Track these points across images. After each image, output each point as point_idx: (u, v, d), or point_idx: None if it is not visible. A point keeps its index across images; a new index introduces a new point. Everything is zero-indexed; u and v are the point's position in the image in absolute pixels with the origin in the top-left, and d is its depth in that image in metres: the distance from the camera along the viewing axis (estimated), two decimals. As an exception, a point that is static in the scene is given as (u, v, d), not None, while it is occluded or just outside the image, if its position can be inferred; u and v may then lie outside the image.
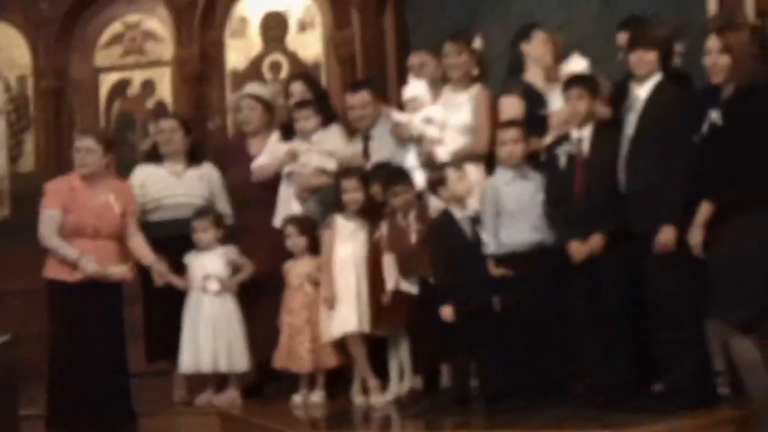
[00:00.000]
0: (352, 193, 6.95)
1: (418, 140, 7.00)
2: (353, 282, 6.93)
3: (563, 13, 8.43)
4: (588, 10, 8.44)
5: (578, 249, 6.14)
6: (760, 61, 5.56)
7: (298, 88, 7.68)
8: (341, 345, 6.98)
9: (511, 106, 6.75)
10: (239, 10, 9.10)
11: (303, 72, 8.50)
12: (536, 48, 6.90)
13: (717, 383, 6.10)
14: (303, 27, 8.95)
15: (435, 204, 6.73)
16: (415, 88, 7.20)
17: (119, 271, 6.87)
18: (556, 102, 6.65)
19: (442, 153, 6.92)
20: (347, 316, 6.89)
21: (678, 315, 5.81)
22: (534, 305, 6.32)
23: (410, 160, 7.03)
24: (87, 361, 6.79)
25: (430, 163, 6.88)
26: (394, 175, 6.86)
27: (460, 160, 6.79)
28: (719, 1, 7.74)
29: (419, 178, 6.86)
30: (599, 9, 8.39)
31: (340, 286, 6.93)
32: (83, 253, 6.76)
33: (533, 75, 6.88)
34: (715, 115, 5.54)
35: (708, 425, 5.67)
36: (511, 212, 6.42)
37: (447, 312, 6.37)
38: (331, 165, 7.25)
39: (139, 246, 7.10)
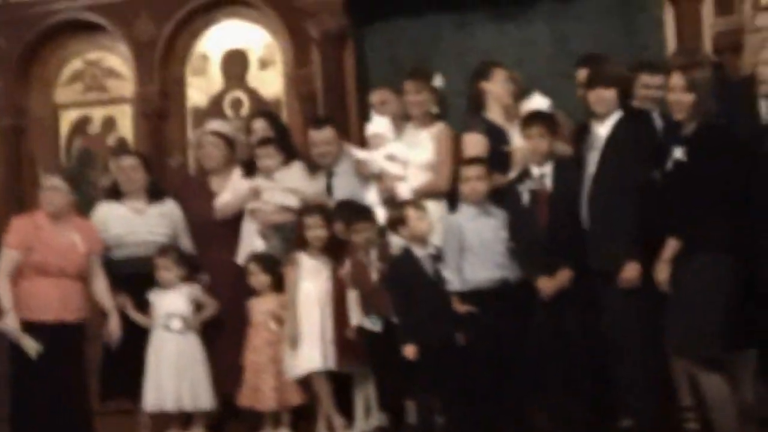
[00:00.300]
0: (316, 230, 6.96)
1: (380, 177, 7.04)
2: (317, 319, 6.93)
3: (518, 51, 8.48)
4: (542, 49, 8.50)
5: (546, 285, 6.18)
6: (720, 98, 5.65)
7: (260, 126, 7.67)
8: (306, 382, 6.96)
9: (475, 143, 6.79)
10: (200, 47, 9.07)
11: (265, 109, 8.48)
12: (496, 86, 6.96)
13: (684, 419, 6.14)
14: (264, 64, 8.93)
15: (396, 241, 6.74)
16: (378, 125, 7.23)
17: (29, 346, 6.73)
18: (518, 139, 6.71)
19: (404, 190, 6.96)
20: (311, 354, 6.89)
21: (640, 351, 5.87)
22: (498, 341, 6.33)
23: (372, 196, 7.06)
24: (49, 400, 6.72)
25: (391, 201, 6.92)
26: (356, 212, 6.87)
27: (421, 197, 6.83)
28: (677, 39, 7.87)
29: (381, 215, 6.89)
30: (553, 47, 8.45)
31: (304, 324, 6.93)
32: (10, 311, 6.72)
33: (494, 112, 6.93)
34: (678, 152, 5.60)
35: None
36: (474, 249, 6.44)
37: (409, 350, 6.38)
38: (294, 202, 7.23)
39: (100, 289, 7.09)
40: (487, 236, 6.46)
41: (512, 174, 6.63)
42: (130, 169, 7.56)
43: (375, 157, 7.06)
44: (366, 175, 7.12)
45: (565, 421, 6.18)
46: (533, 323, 6.29)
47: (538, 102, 6.83)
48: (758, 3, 7.63)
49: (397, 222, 6.65)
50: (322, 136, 7.43)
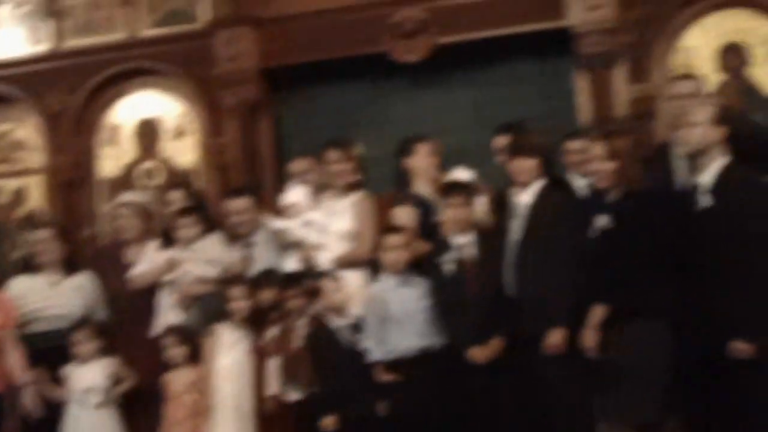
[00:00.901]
0: (239, 301, 6.88)
1: (298, 245, 7.01)
2: (236, 392, 6.80)
3: (436, 118, 8.58)
4: (461, 118, 8.59)
5: (479, 354, 6.15)
6: (641, 165, 5.72)
7: (176, 196, 7.61)
8: None
9: (406, 215, 6.77)
10: (111, 117, 9.03)
11: (182, 180, 8.46)
12: (420, 161, 6.97)
13: None
14: (178, 134, 8.90)
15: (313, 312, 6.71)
16: (295, 194, 7.22)
17: None
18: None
19: (324, 259, 6.94)
20: (229, 427, 6.76)
21: (568, 416, 5.86)
22: (421, 410, 6.27)
23: (291, 265, 7.03)
24: None
25: (310, 270, 6.88)
26: (289, 278, 6.84)
27: (342, 266, 6.83)
28: (591, 106, 7.98)
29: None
30: (473, 117, 8.54)
31: (222, 396, 6.80)
32: None
33: (420, 186, 6.92)
34: (603, 220, 5.63)
35: None
36: (396, 318, 6.41)
37: (328, 422, 6.34)
38: (213, 273, 7.15)
39: (15, 363, 6.93)
40: (409, 306, 6.43)
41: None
42: (45, 242, 7.46)
43: (292, 226, 7.05)
44: (284, 244, 7.08)
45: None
46: (464, 391, 6.24)
47: (460, 174, 6.83)
48: (670, 71, 7.82)
49: (313, 293, 6.63)
50: (238, 206, 7.39)
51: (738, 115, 7.04)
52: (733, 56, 7.83)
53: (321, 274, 6.73)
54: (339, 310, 6.59)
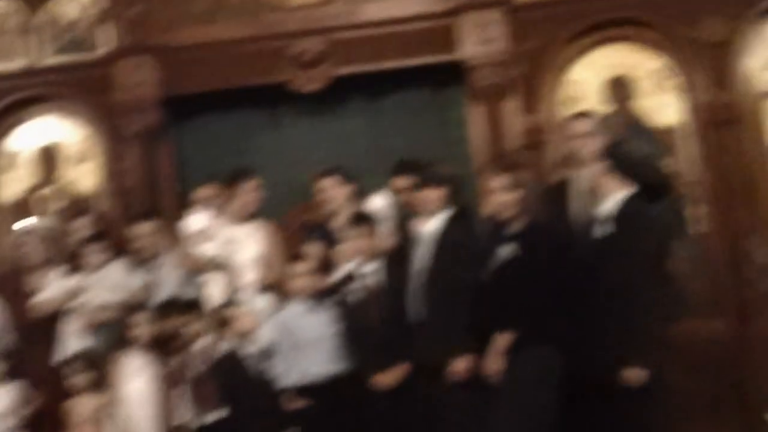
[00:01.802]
0: (141, 327, 6.90)
1: (220, 267, 7.08)
2: (143, 417, 6.82)
3: (332, 146, 8.64)
4: (356, 144, 8.65)
5: (382, 380, 6.27)
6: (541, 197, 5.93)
7: (82, 224, 7.64)
8: None
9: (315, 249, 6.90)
10: (9, 143, 8.89)
11: (85, 206, 8.43)
12: (332, 194, 7.10)
13: None
14: (79, 159, 8.80)
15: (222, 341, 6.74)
16: (197, 221, 7.29)
17: None
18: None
19: (244, 282, 7.04)
20: None
21: None
22: None
23: (213, 289, 7.08)
24: None
25: (234, 292, 6.97)
26: (183, 306, 6.89)
27: (256, 291, 6.95)
28: (483, 136, 8.12)
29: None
30: (368, 145, 8.62)
31: (128, 423, 6.84)
32: None
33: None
34: (505, 250, 5.78)
35: None
36: (305, 344, 6.49)
37: None
38: (116, 299, 7.20)
39: None
40: (318, 331, 6.53)
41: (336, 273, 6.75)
42: None
43: (217, 248, 7.13)
44: (205, 268, 7.14)
45: None
46: (369, 416, 6.33)
47: (375, 201, 6.97)
48: (559, 103, 8.05)
49: (222, 323, 6.69)
50: (143, 230, 7.45)
51: (623, 146, 7.30)
52: (619, 89, 8.07)
53: (228, 303, 6.80)
54: (248, 336, 6.63)
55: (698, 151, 7.87)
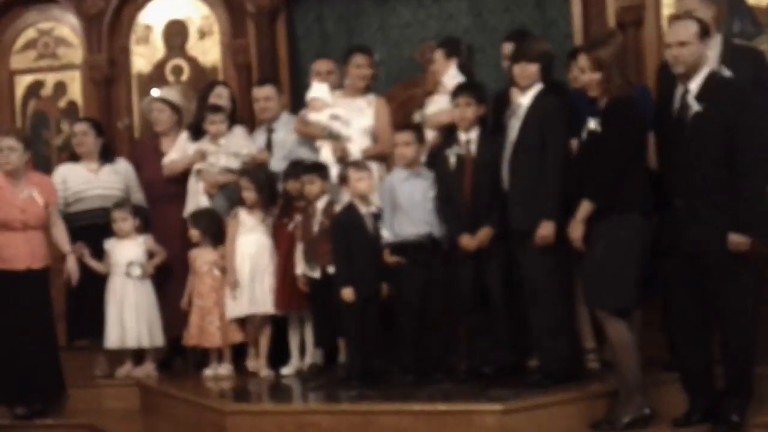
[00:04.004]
0: (246, 191, 7.28)
1: (332, 137, 7.31)
2: (254, 268, 7.30)
3: (437, 24, 8.73)
4: (459, 23, 8.71)
5: (468, 242, 6.46)
6: (625, 73, 5.86)
7: (223, 92, 7.96)
8: (244, 323, 7.39)
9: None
10: (143, 18, 9.28)
11: (212, 79, 8.78)
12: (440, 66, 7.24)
13: (587, 360, 6.55)
14: (202, 34, 9.17)
15: (345, 197, 7.00)
16: (318, 90, 7.47)
17: None
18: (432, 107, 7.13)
19: (354, 150, 7.26)
20: (250, 298, 7.29)
21: (551, 300, 6.17)
22: (422, 290, 6.65)
23: (326, 155, 7.30)
24: (19, 339, 7.02)
25: (342, 160, 7.20)
26: (306, 167, 7.14)
27: (366, 159, 7.14)
28: (583, 15, 8.20)
29: (334, 173, 7.17)
30: (471, 21, 8.67)
31: (243, 272, 7.28)
32: None
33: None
34: (593, 123, 5.81)
35: (580, 398, 6.02)
36: (404, 207, 6.68)
37: (347, 293, 6.64)
38: (236, 165, 7.54)
39: (60, 235, 7.30)
40: (416, 196, 6.70)
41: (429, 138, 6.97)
42: (82, 134, 7.85)
43: (323, 119, 7.31)
44: (316, 136, 7.36)
45: (484, 361, 6.54)
46: (456, 276, 6.59)
47: (452, 75, 7.06)
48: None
49: (342, 180, 6.96)
50: (263, 93, 7.74)
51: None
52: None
53: (347, 165, 7.00)
54: (363, 197, 6.84)
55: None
